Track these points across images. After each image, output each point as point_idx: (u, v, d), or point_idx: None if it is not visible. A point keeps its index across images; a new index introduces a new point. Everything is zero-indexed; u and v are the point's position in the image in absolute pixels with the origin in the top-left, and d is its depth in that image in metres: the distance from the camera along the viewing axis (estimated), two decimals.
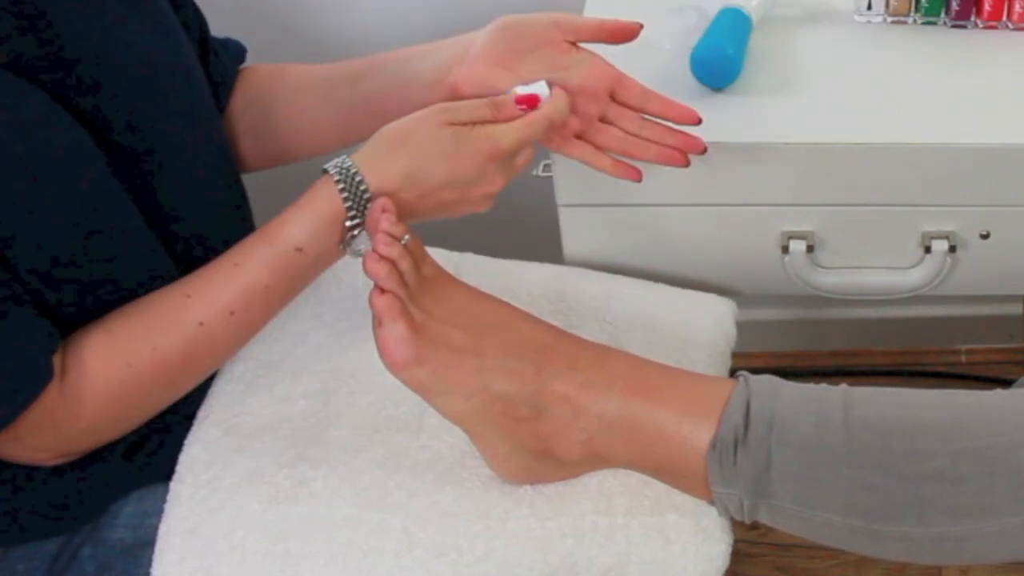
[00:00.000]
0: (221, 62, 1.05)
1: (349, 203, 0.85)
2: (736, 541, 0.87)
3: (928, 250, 1.04)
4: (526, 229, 1.27)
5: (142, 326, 0.85)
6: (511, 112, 0.90)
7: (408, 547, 0.84)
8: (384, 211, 0.83)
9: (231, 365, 0.97)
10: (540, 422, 0.84)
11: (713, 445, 0.82)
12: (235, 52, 1.08)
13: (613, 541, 0.84)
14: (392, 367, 0.82)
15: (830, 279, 1.08)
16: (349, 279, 1.03)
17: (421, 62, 0.99)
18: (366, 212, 0.85)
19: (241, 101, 1.06)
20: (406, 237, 0.83)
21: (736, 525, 0.88)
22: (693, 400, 0.84)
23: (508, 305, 0.87)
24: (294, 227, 0.86)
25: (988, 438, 0.79)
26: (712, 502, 0.85)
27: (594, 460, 0.86)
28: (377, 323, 0.81)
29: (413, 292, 0.82)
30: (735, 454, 0.82)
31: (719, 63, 1.05)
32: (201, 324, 0.85)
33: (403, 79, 0.99)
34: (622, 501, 0.85)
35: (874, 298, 1.10)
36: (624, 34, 0.95)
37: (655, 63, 1.10)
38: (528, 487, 0.87)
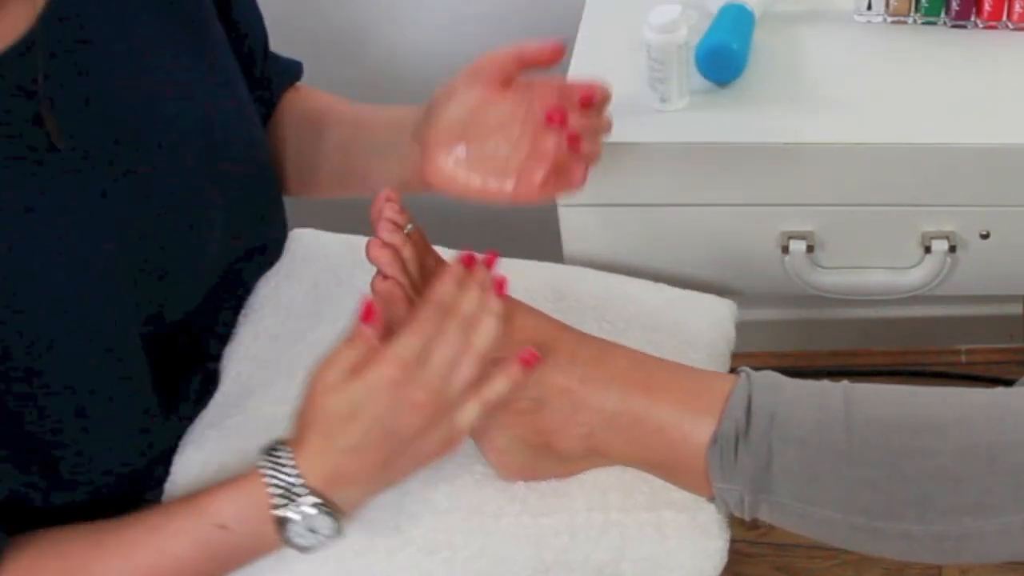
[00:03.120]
0: (269, 76, 1.02)
1: (277, 490, 0.76)
2: (736, 541, 0.87)
3: (928, 250, 1.04)
4: (526, 229, 1.27)
5: (47, 571, 0.77)
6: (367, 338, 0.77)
7: (401, 545, 0.84)
8: (388, 199, 0.83)
9: (227, 365, 0.97)
10: (540, 415, 0.84)
11: (714, 440, 0.82)
12: (287, 68, 1.04)
13: (608, 537, 0.83)
14: None
15: (830, 279, 1.08)
16: (348, 277, 1.03)
17: (389, 149, 0.95)
18: (301, 503, 0.75)
19: (288, 122, 1.03)
20: (409, 226, 0.83)
21: (736, 525, 0.87)
22: (694, 396, 0.84)
23: (509, 298, 0.87)
24: (224, 502, 0.77)
25: (989, 436, 0.79)
26: (712, 498, 0.84)
27: (593, 455, 0.86)
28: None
29: (415, 281, 0.82)
30: (736, 449, 0.81)
31: (725, 58, 1.05)
32: None
33: (380, 154, 0.97)
34: (617, 497, 0.85)
35: (874, 298, 1.10)
36: (548, 53, 0.86)
37: None
38: (521, 484, 0.86)
